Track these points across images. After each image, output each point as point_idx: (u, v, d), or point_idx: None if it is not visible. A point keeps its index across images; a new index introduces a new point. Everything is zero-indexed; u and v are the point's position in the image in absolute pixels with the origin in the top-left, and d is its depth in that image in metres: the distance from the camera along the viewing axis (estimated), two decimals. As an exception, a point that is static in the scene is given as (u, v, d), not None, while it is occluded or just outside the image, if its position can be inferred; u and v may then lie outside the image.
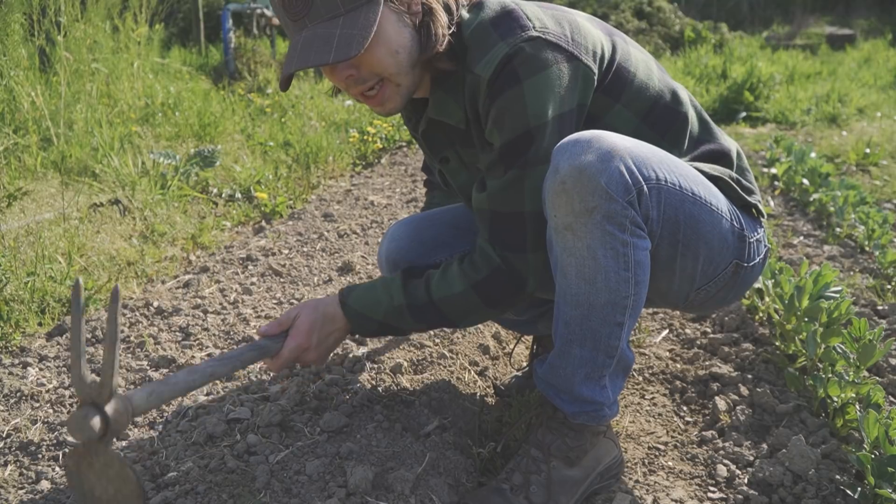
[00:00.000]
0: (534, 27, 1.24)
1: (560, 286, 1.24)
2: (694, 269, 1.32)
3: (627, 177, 1.15)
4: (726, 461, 1.52)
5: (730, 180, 1.38)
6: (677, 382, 1.89)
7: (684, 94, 1.43)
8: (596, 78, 1.29)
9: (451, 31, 1.27)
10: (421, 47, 1.26)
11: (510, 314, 1.72)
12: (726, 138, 1.48)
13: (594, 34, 1.33)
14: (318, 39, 1.18)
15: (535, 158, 1.25)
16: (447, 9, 1.28)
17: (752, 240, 1.39)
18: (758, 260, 1.43)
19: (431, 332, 2.00)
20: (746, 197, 1.40)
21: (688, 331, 2.22)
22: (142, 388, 1.08)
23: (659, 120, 1.36)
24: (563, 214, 1.17)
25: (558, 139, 1.24)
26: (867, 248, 2.78)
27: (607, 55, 1.32)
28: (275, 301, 2.23)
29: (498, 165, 1.28)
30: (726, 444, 1.57)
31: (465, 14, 1.30)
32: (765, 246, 1.46)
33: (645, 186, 1.18)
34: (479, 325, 2.11)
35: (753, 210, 1.43)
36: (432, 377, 1.75)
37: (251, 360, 1.30)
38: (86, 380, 0.97)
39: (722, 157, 1.43)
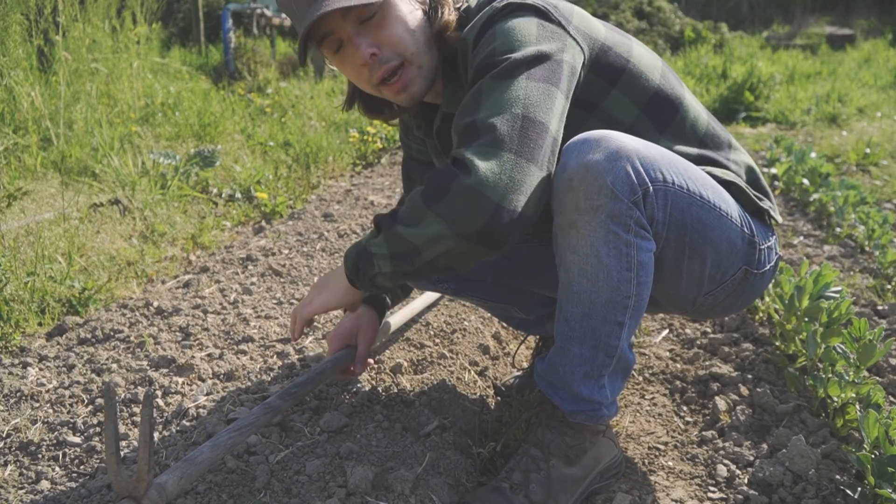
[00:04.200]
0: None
1: (562, 283, 1.25)
2: (701, 273, 1.32)
3: (634, 177, 1.16)
4: (726, 461, 1.52)
5: (741, 185, 1.38)
6: (677, 382, 1.89)
7: (689, 98, 1.42)
8: (585, 56, 1.28)
9: (458, 7, 1.32)
10: (431, 24, 1.31)
11: (518, 312, 1.71)
12: (738, 151, 1.46)
13: (591, 21, 1.35)
14: None
15: (496, 73, 1.19)
16: None
17: (762, 246, 1.39)
18: (768, 267, 1.42)
19: (432, 332, 2.00)
20: (758, 202, 1.40)
21: (688, 331, 2.22)
22: (172, 471, 1.11)
23: (658, 112, 1.36)
24: (569, 212, 1.18)
25: (530, 64, 1.18)
26: (867, 248, 2.78)
27: (601, 41, 1.32)
28: (275, 301, 2.23)
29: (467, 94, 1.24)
30: (726, 444, 1.57)
31: (471, 4, 1.35)
32: (776, 254, 1.45)
33: (651, 188, 1.18)
34: (479, 325, 2.11)
35: (766, 216, 1.43)
36: (432, 377, 1.75)
37: (266, 421, 1.32)
38: (122, 475, 1.04)
39: (727, 168, 1.41)
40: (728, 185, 1.36)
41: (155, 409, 1.58)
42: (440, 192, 1.16)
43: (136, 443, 1.46)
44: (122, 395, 1.63)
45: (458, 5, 1.35)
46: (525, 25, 1.22)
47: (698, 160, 1.39)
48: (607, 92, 1.32)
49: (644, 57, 1.38)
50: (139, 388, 1.67)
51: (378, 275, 1.28)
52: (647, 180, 1.17)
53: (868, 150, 4.61)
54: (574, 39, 1.26)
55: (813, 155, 3.95)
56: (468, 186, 1.13)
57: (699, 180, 1.27)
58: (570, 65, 1.24)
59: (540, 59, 1.20)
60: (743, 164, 1.45)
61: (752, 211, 1.40)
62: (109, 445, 1.03)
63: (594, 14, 11.35)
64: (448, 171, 1.16)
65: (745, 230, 1.34)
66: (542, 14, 1.25)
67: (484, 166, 1.12)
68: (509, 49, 1.20)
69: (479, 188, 1.12)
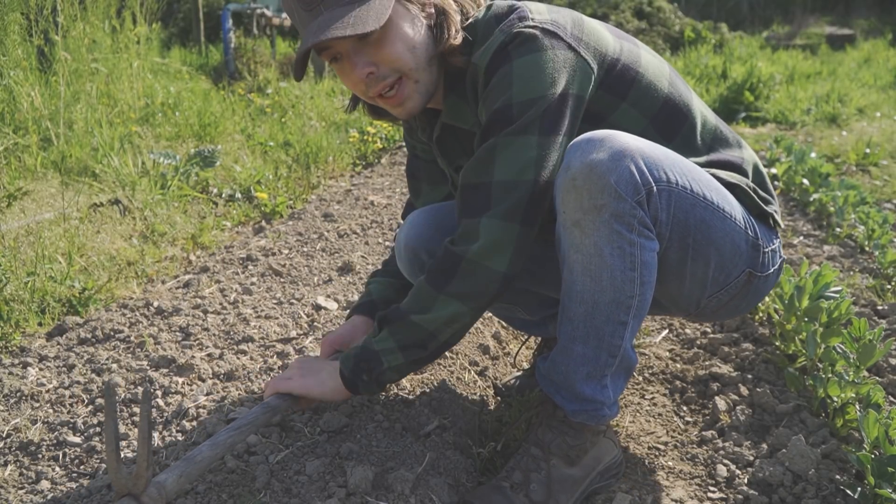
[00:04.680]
0: (534, 19, 1.26)
1: (566, 282, 1.25)
2: (705, 275, 1.32)
3: (637, 177, 1.16)
4: (726, 461, 1.52)
5: (747, 188, 1.37)
6: (677, 382, 1.89)
7: (696, 104, 1.42)
8: (595, 75, 1.28)
9: (464, 26, 1.31)
10: (435, 42, 1.29)
11: (521, 313, 1.71)
12: (744, 151, 1.46)
13: (601, 33, 1.34)
14: (335, 20, 1.19)
15: (512, 130, 1.22)
16: (461, 9, 1.32)
17: (766, 249, 1.38)
18: (772, 270, 1.42)
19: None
20: (763, 206, 1.40)
21: (688, 331, 2.22)
22: (171, 469, 1.11)
23: (666, 123, 1.36)
24: (572, 211, 1.18)
25: (543, 116, 1.22)
26: (867, 248, 2.78)
27: (612, 54, 1.32)
28: (275, 301, 2.23)
29: (480, 142, 1.27)
30: (726, 444, 1.57)
31: (478, 15, 1.33)
32: (780, 257, 1.45)
33: (655, 188, 1.18)
34: (479, 325, 2.11)
35: (770, 220, 1.43)
36: (432, 377, 1.75)
37: (266, 421, 1.32)
38: (121, 472, 1.04)
39: (734, 169, 1.42)
40: (733, 188, 1.36)
41: (155, 409, 1.59)
42: (448, 273, 1.26)
43: (136, 442, 1.46)
44: (122, 395, 1.63)
45: (466, 21, 1.32)
46: (539, 63, 1.22)
47: (707, 166, 1.38)
48: (617, 105, 1.32)
49: (652, 65, 1.37)
50: (139, 388, 1.67)
51: (387, 370, 1.33)
52: (651, 180, 1.17)
53: (868, 150, 4.61)
54: (585, 60, 1.26)
55: (813, 155, 3.95)
56: (476, 263, 1.24)
57: (703, 182, 1.27)
58: (580, 96, 1.26)
59: (551, 105, 1.22)
60: (751, 163, 1.45)
61: (756, 214, 1.40)
62: (109, 444, 1.03)
63: (594, 15, 11.36)
64: (450, 253, 1.26)
65: (749, 232, 1.34)
66: (554, 36, 1.24)
67: (493, 241, 1.22)
68: (524, 99, 1.21)
69: (487, 263, 1.23)
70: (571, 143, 1.21)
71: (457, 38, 1.28)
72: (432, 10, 1.29)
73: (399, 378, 1.38)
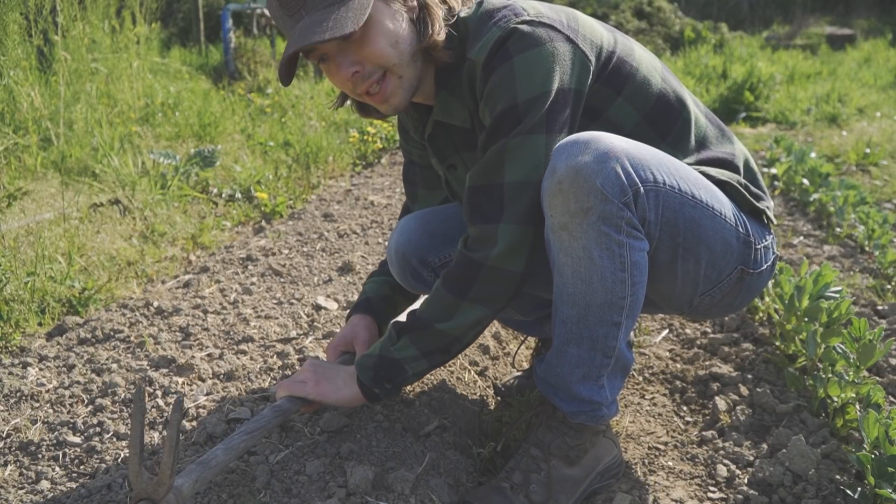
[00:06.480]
0: (529, 14, 1.26)
1: (557, 285, 1.25)
2: (696, 274, 1.32)
3: (623, 178, 1.16)
4: (726, 461, 1.52)
5: (738, 185, 1.37)
6: (677, 382, 1.89)
7: (689, 99, 1.42)
8: (593, 67, 1.28)
9: (449, 23, 1.30)
10: (419, 37, 1.28)
11: (516, 314, 1.71)
12: (735, 146, 1.46)
13: (595, 27, 1.34)
14: (315, 24, 1.19)
15: (519, 130, 1.23)
16: (446, 5, 1.31)
17: (758, 246, 1.38)
18: (765, 267, 1.42)
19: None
20: (755, 202, 1.40)
21: (688, 331, 2.22)
22: (187, 474, 1.12)
23: (660, 119, 1.36)
24: (560, 214, 1.18)
25: (547, 114, 1.22)
26: (867, 248, 2.78)
27: (607, 47, 1.32)
28: (275, 301, 2.23)
29: (487, 143, 1.27)
30: (726, 444, 1.57)
31: (466, 12, 1.33)
32: (773, 253, 1.45)
33: (642, 188, 1.18)
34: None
35: (763, 217, 1.43)
36: (432, 377, 1.75)
37: (277, 423, 1.33)
38: (143, 476, 1.05)
39: (725, 166, 1.42)
40: (723, 185, 1.36)
41: (155, 410, 1.59)
42: (468, 280, 1.28)
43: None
44: (123, 396, 1.63)
45: (452, 17, 1.32)
46: (539, 59, 1.22)
47: (699, 163, 1.38)
48: (613, 100, 1.32)
49: (645, 59, 1.37)
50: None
51: (411, 377, 1.35)
52: (638, 181, 1.17)
53: (868, 150, 4.61)
54: (583, 52, 1.26)
55: (813, 155, 3.96)
56: (496, 268, 1.26)
57: (691, 180, 1.27)
58: (579, 91, 1.27)
59: (554, 101, 1.22)
60: (742, 158, 1.46)
61: (748, 210, 1.40)
62: (134, 447, 1.03)
63: (594, 15, 11.36)
64: (469, 260, 1.27)
65: (741, 229, 1.34)
66: (551, 29, 1.24)
67: (511, 245, 1.24)
68: (529, 97, 1.21)
69: (507, 266, 1.25)
70: (556, 146, 1.21)
71: (440, 34, 1.28)
72: (415, 4, 1.29)
73: (418, 380, 1.40)
